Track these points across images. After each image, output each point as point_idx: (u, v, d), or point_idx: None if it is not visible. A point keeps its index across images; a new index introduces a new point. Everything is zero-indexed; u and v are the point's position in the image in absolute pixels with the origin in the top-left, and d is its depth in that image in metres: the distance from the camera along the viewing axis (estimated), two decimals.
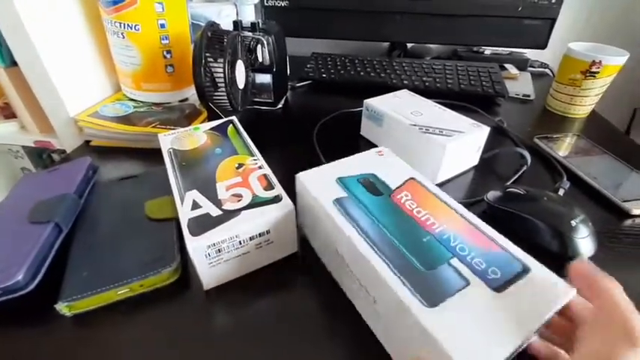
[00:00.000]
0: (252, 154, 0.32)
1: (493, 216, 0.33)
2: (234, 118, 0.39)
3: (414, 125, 0.39)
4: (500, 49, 0.71)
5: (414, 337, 0.19)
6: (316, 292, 0.27)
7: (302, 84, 0.63)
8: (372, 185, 0.27)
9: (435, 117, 0.40)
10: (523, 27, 0.58)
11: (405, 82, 0.59)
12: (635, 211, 0.34)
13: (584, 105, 0.53)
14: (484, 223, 0.23)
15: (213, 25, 0.42)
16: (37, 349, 0.24)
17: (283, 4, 0.61)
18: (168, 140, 0.35)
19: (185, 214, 0.26)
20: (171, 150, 0.33)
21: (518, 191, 0.33)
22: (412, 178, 0.28)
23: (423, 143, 0.37)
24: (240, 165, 0.31)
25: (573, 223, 0.29)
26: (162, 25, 0.44)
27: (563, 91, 0.53)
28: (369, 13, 0.61)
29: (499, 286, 0.19)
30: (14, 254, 0.25)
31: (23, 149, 0.72)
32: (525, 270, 0.20)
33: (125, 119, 0.45)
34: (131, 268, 0.26)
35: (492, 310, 0.18)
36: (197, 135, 0.35)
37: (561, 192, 0.36)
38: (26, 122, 0.50)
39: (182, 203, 0.27)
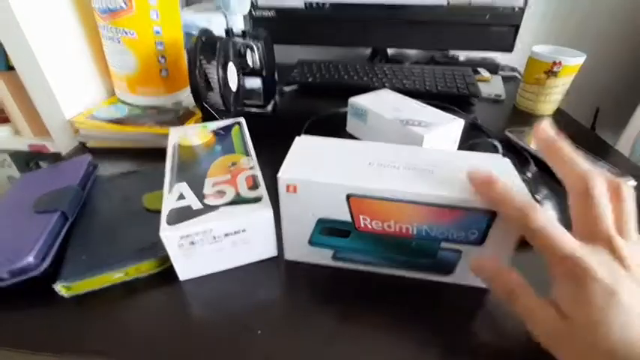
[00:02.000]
0: (247, 155, 0.33)
1: None
2: (241, 119, 0.40)
3: (395, 119, 0.42)
4: (473, 54, 0.76)
5: None
6: (294, 295, 0.28)
7: (289, 88, 0.66)
8: (334, 230, 0.27)
9: (414, 112, 0.44)
10: (491, 32, 0.63)
11: (387, 84, 0.63)
12: None
13: (549, 102, 0.58)
14: (441, 193, 0.23)
15: (206, 32, 0.45)
16: (38, 328, 0.25)
17: (270, 14, 0.65)
18: (176, 135, 0.37)
19: (169, 203, 0.27)
20: (176, 145, 0.35)
21: None
22: (349, 196, 0.25)
23: (404, 135, 0.41)
24: (234, 163, 0.32)
25: (538, 197, 0.32)
26: (157, 32, 0.47)
27: (530, 90, 0.58)
28: (352, 21, 0.66)
29: (480, 239, 0.25)
30: (24, 240, 0.27)
31: (10, 157, 0.72)
32: (491, 219, 0.24)
33: (120, 121, 0.46)
34: (127, 254, 0.28)
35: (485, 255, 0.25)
36: (204, 132, 0.37)
37: (529, 175, 0.40)
38: (20, 126, 0.50)
39: (169, 193, 0.28)
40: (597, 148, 0.48)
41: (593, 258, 0.18)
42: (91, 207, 0.33)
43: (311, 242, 0.28)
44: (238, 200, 0.28)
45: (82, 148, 0.47)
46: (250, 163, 0.32)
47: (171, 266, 0.27)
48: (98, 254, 0.28)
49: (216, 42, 0.43)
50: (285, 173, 0.25)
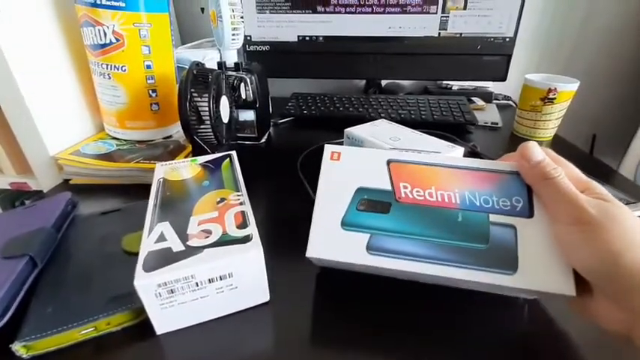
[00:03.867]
0: (237, 190, 0.31)
1: None
2: (233, 152, 0.38)
3: (393, 149, 0.40)
4: (467, 84, 0.77)
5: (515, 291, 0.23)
6: (288, 348, 0.24)
7: (284, 120, 0.65)
8: (374, 204, 0.25)
9: (412, 141, 0.42)
10: (484, 62, 0.64)
11: (382, 115, 0.63)
12: None
13: (547, 128, 0.57)
14: (472, 159, 0.25)
15: (198, 65, 0.44)
16: None
17: (264, 48, 0.65)
18: (162, 170, 0.35)
19: (147, 246, 0.24)
20: (161, 180, 0.33)
21: None
22: (389, 162, 0.26)
23: None
24: (222, 199, 0.29)
25: None
26: (149, 66, 0.46)
27: (527, 117, 0.57)
28: (344, 54, 0.66)
29: (529, 212, 0.23)
30: None
31: None
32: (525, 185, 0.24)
33: (107, 157, 0.45)
34: (99, 304, 0.24)
35: (540, 234, 0.22)
36: (192, 167, 0.35)
37: None
38: (2, 164, 0.48)
39: (149, 235, 0.25)
40: (600, 172, 0.47)
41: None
42: (66, 250, 0.30)
43: (344, 223, 0.25)
44: (225, 240, 0.25)
45: (66, 185, 0.45)
46: (240, 199, 0.30)
47: (148, 318, 0.24)
48: (66, 306, 0.25)
49: (208, 75, 0.43)
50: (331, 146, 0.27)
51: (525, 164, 0.23)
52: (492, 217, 0.23)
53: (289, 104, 0.68)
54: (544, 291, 0.21)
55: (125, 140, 0.49)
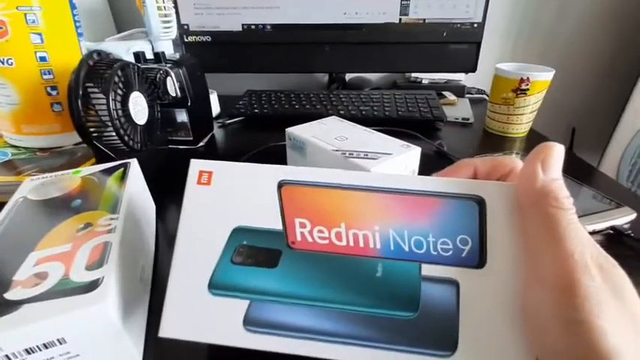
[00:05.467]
0: (114, 211, 0.24)
1: None
2: (133, 160, 0.31)
3: (337, 150, 0.34)
4: (437, 77, 0.71)
5: None
6: None
7: (232, 121, 0.58)
8: (255, 252, 0.18)
9: (362, 141, 0.36)
10: (451, 51, 0.57)
11: (342, 112, 0.56)
12: (588, 228, 0.30)
13: (521, 123, 0.51)
14: (399, 176, 0.18)
15: (100, 54, 0.36)
16: None
17: (205, 38, 0.58)
18: (28, 187, 0.27)
19: None
20: (20, 200, 0.25)
21: None
22: (282, 184, 0.18)
23: (347, 169, 0.32)
24: (87, 225, 0.22)
25: None
26: (43, 58, 0.38)
27: (499, 111, 0.51)
28: (298, 44, 0.59)
29: (479, 260, 0.16)
30: None
31: None
32: (481, 203, 0.16)
33: None
34: None
35: (490, 292, 0.15)
36: (72, 180, 0.28)
37: None
38: None
39: None
40: (581, 172, 0.41)
41: None
42: None
43: (213, 285, 0.17)
44: (62, 287, 0.17)
45: None
46: (111, 225, 0.22)
47: None
48: None
49: (111, 66, 0.35)
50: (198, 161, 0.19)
51: (535, 174, 0.16)
52: (426, 269, 0.16)
53: (240, 102, 0.61)
54: None
55: (25, 148, 0.41)
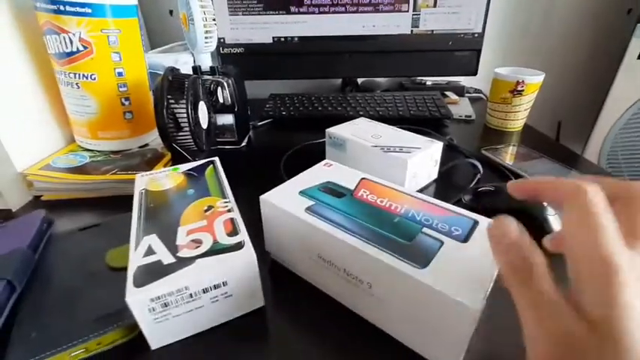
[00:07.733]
0: (224, 196, 0.31)
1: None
2: (215, 158, 0.37)
3: (376, 146, 0.41)
4: (440, 79, 0.79)
5: (417, 298, 0.21)
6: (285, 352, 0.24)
7: (263, 123, 0.65)
8: (333, 190, 0.29)
9: (393, 138, 0.43)
10: (455, 58, 0.66)
11: (361, 112, 0.63)
12: None
13: (517, 119, 0.59)
14: (434, 199, 0.28)
15: (173, 70, 0.43)
16: None
17: (239, 50, 0.64)
18: (143, 181, 0.33)
19: (135, 260, 0.23)
20: (143, 191, 0.32)
21: (489, 188, 0.36)
22: (364, 179, 0.31)
23: (386, 161, 0.39)
24: (210, 207, 0.29)
25: (544, 203, 0.32)
26: (120, 74, 0.44)
27: (498, 109, 0.60)
28: (320, 54, 0.67)
29: (464, 238, 0.24)
30: None
31: None
32: (476, 223, 0.25)
33: (80, 170, 0.43)
34: (87, 325, 0.24)
35: (467, 256, 0.22)
36: (174, 176, 0.34)
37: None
38: None
39: (136, 249, 0.25)
40: (568, 158, 0.49)
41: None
42: (45, 271, 0.29)
43: (302, 192, 0.29)
44: (217, 249, 0.25)
45: (37, 202, 0.42)
46: (228, 206, 0.29)
47: (141, 333, 0.23)
48: (52, 329, 0.24)
49: (184, 80, 0.42)
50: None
51: (499, 240, 0.17)
52: (425, 230, 0.25)
53: (267, 106, 0.68)
54: (447, 294, 0.19)
55: (98, 151, 0.47)
